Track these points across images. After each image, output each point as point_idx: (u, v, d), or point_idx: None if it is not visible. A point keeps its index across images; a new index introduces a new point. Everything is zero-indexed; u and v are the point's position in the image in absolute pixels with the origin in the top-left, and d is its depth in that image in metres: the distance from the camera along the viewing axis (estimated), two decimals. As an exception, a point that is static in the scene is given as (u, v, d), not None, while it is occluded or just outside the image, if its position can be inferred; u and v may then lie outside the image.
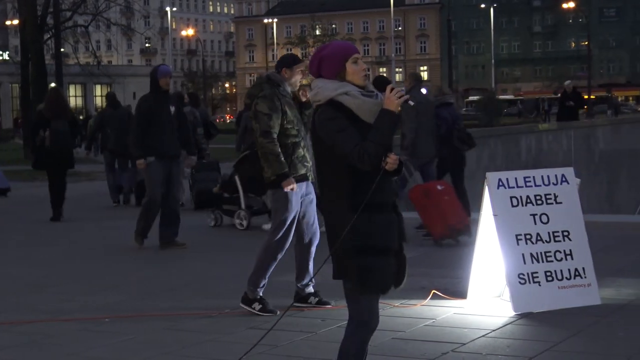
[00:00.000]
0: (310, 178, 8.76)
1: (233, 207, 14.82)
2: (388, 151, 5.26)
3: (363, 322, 5.54)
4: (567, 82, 31.08)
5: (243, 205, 14.61)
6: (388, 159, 5.24)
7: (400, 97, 5.27)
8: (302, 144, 8.71)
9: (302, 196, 8.71)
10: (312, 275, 8.68)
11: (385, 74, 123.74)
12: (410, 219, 9.83)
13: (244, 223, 14.56)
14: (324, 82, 5.40)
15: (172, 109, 12.64)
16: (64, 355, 7.43)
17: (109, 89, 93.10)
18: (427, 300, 8.86)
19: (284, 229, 8.60)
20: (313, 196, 8.78)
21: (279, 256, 8.69)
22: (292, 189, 8.51)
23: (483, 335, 7.63)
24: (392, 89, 5.29)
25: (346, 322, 6.89)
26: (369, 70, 5.86)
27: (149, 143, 12.49)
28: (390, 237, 5.46)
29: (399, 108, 5.30)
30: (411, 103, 5.46)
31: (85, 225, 16.17)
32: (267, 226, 12.13)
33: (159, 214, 12.78)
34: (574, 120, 29.70)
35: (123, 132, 17.44)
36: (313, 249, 8.75)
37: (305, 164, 8.72)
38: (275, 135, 8.57)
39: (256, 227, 14.19)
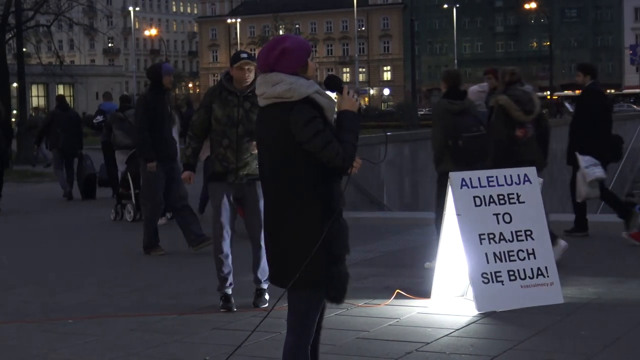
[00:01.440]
0: (235, 180, 8.68)
1: (127, 202, 16.03)
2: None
3: (306, 334, 5.25)
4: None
5: (133, 200, 15.73)
6: (355, 162, 5.11)
7: (356, 99, 5.12)
8: (224, 143, 8.67)
9: (229, 198, 8.73)
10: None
11: (348, 74, 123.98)
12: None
13: (129, 217, 15.90)
14: (295, 78, 5.05)
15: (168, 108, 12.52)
16: (27, 357, 7.38)
17: (71, 89, 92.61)
18: (391, 300, 8.88)
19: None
20: (254, 199, 8.66)
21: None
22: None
23: (447, 335, 7.66)
24: (349, 91, 5.15)
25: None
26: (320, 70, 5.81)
27: (154, 145, 12.07)
28: (347, 244, 5.19)
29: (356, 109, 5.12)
30: (363, 107, 5.51)
31: (43, 223, 16.09)
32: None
33: (172, 218, 13.17)
34: None
35: (72, 132, 20.09)
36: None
37: (225, 164, 8.67)
38: (193, 131, 8.94)
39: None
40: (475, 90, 12.47)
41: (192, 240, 12.17)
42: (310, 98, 5.03)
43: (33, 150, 24.66)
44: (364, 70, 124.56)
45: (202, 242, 12.02)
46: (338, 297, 5.14)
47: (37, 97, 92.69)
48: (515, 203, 8.79)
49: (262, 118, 5.21)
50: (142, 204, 12.74)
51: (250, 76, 8.66)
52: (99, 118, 19.32)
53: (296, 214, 5.08)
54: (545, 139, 11.08)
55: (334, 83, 5.23)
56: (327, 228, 5.02)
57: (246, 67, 8.65)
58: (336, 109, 5.17)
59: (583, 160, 12.38)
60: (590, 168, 12.43)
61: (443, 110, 10.43)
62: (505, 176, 8.88)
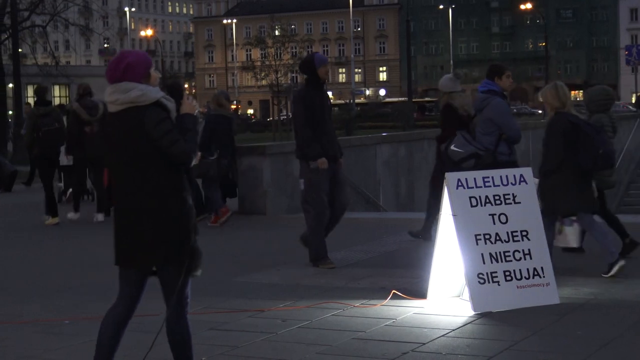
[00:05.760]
0: None
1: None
2: None
3: (184, 303, 6.00)
4: None
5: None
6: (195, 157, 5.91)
7: (194, 105, 5.95)
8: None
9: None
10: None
11: (344, 75, 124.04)
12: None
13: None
14: (145, 86, 5.78)
15: None
16: (22, 358, 7.38)
17: (67, 90, 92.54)
18: (387, 301, 8.89)
19: None
20: None
21: None
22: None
23: (443, 335, 7.66)
24: (188, 97, 6.03)
25: (307, 322, 6.87)
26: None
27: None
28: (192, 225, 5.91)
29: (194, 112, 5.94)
30: (198, 110, 6.08)
31: (40, 226, 16.09)
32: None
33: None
34: None
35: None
36: None
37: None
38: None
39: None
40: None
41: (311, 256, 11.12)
42: (160, 102, 5.80)
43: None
44: (359, 70, 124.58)
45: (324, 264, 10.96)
46: (196, 269, 5.93)
47: (32, 98, 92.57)
48: (511, 203, 8.79)
49: (113, 122, 5.87)
50: (305, 210, 11.19)
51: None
52: None
53: (154, 196, 5.77)
54: None
55: (175, 90, 6.09)
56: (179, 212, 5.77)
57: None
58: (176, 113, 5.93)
59: None
60: None
61: None
62: (501, 177, 8.89)
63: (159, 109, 5.77)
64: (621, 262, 9.86)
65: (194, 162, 5.95)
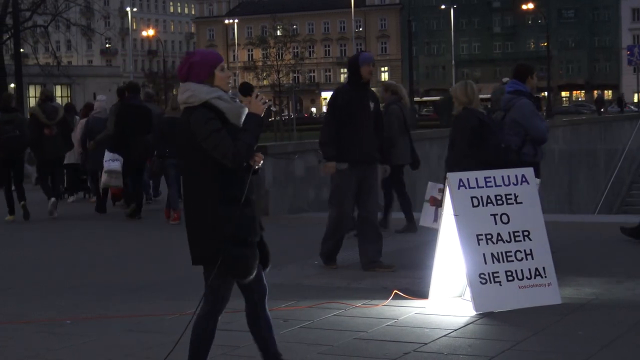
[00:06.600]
0: None
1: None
2: (255, 151, 5.82)
3: (216, 306, 6.05)
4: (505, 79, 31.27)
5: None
6: (256, 157, 5.82)
7: (264, 103, 5.84)
8: None
9: None
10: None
11: (346, 75, 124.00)
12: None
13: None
14: (198, 86, 5.82)
15: None
16: (24, 358, 7.38)
17: (69, 90, 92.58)
18: (389, 301, 8.88)
19: None
20: None
21: None
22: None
23: (444, 335, 7.66)
24: (257, 95, 5.86)
25: (309, 322, 6.86)
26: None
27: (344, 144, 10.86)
28: (255, 229, 5.93)
29: (264, 112, 5.85)
30: (273, 109, 5.94)
31: (40, 226, 16.10)
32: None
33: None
34: None
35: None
36: None
37: None
38: None
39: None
40: None
41: (363, 263, 10.76)
42: (209, 103, 5.78)
43: None
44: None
45: (377, 267, 10.61)
46: (235, 274, 5.90)
47: (34, 98, 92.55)
48: (512, 204, 8.78)
49: (179, 123, 5.95)
50: (330, 209, 11.05)
51: None
52: None
53: (197, 200, 5.84)
54: None
55: (245, 89, 5.96)
56: (223, 213, 5.73)
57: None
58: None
59: None
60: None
61: None
62: (502, 177, 8.88)
63: (205, 109, 5.75)
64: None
65: (258, 163, 5.84)
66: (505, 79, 12.52)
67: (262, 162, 5.89)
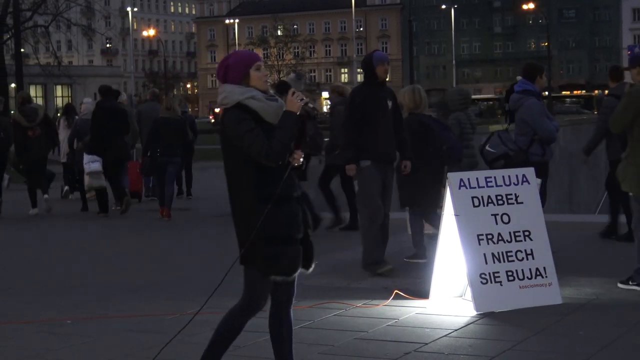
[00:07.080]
0: None
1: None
2: (294, 148, 5.81)
3: (251, 304, 6.03)
4: (518, 78, 31.22)
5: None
6: (295, 154, 5.81)
7: (301, 100, 5.81)
8: None
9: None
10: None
11: (347, 75, 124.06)
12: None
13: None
14: (232, 87, 5.85)
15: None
16: (24, 358, 7.38)
17: (69, 90, 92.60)
18: (390, 301, 8.88)
19: None
20: None
21: None
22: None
23: (445, 335, 7.66)
24: (293, 93, 5.78)
25: (310, 322, 6.85)
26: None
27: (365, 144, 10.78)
28: (294, 227, 5.85)
29: (300, 110, 5.83)
30: (311, 105, 5.92)
31: (39, 225, 16.11)
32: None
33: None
34: None
35: None
36: None
37: None
38: None
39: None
40: None
41: (367, 263, 10.55)
42: (242, 104, 5.80)
43: None
44: (362, 70, 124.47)
45: (382, 267, 10.43)
46: (275, 272, 5.83)
47: (35, 98, 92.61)
48: (513, 204, 8.79)
49: (219, 121, 5.99)
50: (359, 211, 10.99)
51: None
52: None
53: (235, 198, 5.88)
54: None
55: (281, 87, 6.12)
56: (265, 211, 5.71)
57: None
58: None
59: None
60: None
61: None
62: (503, 177, 8.88)
63: (237, 110, 5.78)
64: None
65: (298, 162, 5.84)
66: (518, 77, 12.47)
67: (302, 159, 5.90)
